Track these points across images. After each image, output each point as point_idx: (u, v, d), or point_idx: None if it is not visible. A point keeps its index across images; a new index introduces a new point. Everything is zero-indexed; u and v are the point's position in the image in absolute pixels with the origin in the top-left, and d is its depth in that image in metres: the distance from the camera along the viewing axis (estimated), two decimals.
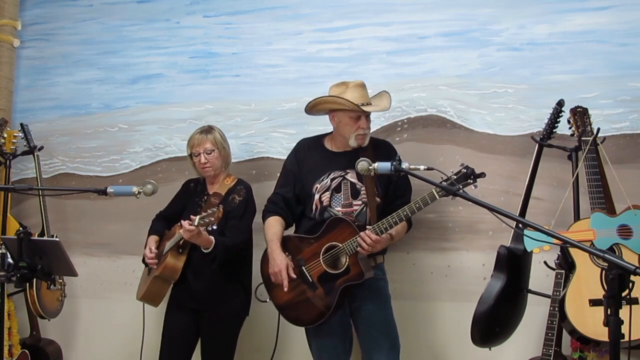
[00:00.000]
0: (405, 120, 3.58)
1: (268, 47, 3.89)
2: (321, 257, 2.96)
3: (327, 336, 3.08)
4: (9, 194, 3.90)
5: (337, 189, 3.07)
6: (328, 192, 3.08)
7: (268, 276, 3.07)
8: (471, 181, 2.57)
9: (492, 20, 3.52)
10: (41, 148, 4.07)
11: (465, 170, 2.57)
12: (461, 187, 2.50)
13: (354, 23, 3.74)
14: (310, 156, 3.18)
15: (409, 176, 2.98)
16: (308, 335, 3.16)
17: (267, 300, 3.13)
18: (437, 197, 2.70)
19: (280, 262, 2.98)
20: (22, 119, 4.20)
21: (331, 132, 3.21)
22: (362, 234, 2.84)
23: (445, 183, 2.57)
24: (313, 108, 3.15)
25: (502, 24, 3.50)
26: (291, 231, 3.22)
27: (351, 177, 3.06)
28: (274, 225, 3.12)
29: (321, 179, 3.10)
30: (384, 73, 3.65)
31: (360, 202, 3.04)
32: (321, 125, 3.72)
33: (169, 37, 4.07)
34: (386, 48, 3.68)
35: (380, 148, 3.11)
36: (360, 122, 3.01)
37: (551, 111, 3.17)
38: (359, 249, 2.85)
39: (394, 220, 2.81)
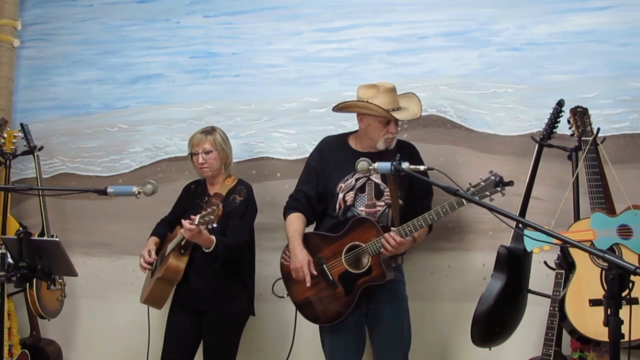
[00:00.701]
0: (405, 120, 3.57)
1: (268, 47, 3.89)
2: (343, 256, 2.97)
3: (342, 334, 3.07)
4: (9, 194, 3.90)
5: (362, 189, 3.08)
6: (352, 192, 3.08)
7: (288, 272, 3.08)
8: (499, 189, 2.57)
9: (492, 20, 3.52)
10: (41, 148, 4.07)
11: (493, 178, 2.57)
12: (489, 194, 2.54)
13: (354, 23, 3.74)
14: (334, 155, 3.17)
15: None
16: (322, 333, 3.15)
17: (285, 296, 3.14)
18: (465, 202, 2.70)
19: (302, 258, 3.00)
20: (22, 119, 4.20)
21: (356, 131, 3.20)
22: (386, 235, 2.85)
23: (473, 189, 2.59)
24: (342, 109, 3.15)
25: (502, 24, 3.50)
26: (311, 229, 3.23)
27: (375, 178, 3.06)
28: (296, 222, 3.12)
29: (346, 179, 3.09)
30: (384, 73, 3.65)
31: (383, 204, 3.05)
32: (321, 125, 3.74)
33: (169, 37, 4.07)
34: (386, 48, 3.68)
35: (404, 150, 3.10)
36: (389, 127, 3.02)
37: (551, 111, 3.17)
38: (382, 250, 2.86)
39: (419, 223, 2.83)
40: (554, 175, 3.32)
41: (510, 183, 2.56)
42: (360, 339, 3.10)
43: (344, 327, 3.03)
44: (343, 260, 2.97)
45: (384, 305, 3.03)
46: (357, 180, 3.08)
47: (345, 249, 2.97)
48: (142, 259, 3.33)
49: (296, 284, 3.06)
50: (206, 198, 3.37)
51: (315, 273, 2.99)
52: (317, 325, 3.12)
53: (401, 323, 3.07)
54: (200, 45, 4.00)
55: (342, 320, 2.98)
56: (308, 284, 2.98)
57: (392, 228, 2.89)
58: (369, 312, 3.06)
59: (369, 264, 2.92)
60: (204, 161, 3.32)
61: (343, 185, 3.10)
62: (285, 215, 3.19)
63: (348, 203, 3.07)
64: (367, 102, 3.01)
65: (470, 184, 2.64)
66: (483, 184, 2.58)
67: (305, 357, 3.50)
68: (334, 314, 2.99)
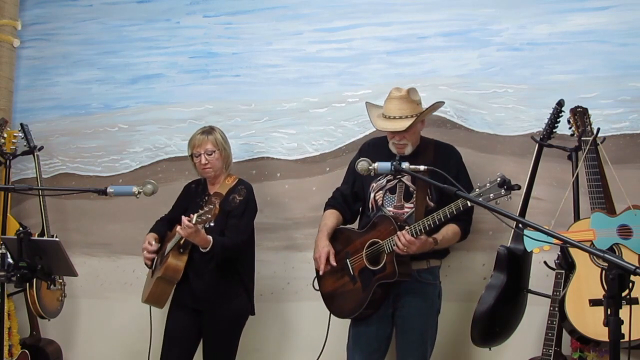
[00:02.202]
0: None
1: (268, 47, 3.89)
2: (364, 252, 3.01)
3: (364, 330, 3.08)
4: (9, 194, 3.90)
5: (392, 190, 3.11)
6: (382, 192, 3.11)
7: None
8: (503, 192, 2.56)
9: (492, 20, 3.51)
10: (41, 148, 4.07)
11: (500, 180, 2.56)
12: (494, 197, 2.53)
13: (354, 23, 3.73)
14: (371, 155, 3.14)
15: (469, 181, 3.05)
16: (349, 328, 3.16)
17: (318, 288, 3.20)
18: (469, 203, 2.69)
19: (321, 248, 3.08)
20: (22, 119, 4.20)
21: None
22: (398, 233, 2.86)
23: (478, 190, 2.59)
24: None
25: (502, 24, 3.50)
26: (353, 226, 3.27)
27: (407, 180, 3.08)
28: (328, 217, 3.22)
29: (378, 179, 3.13)
30: (384, 73, 3.65)
31: (411, 205, 3.06)
32: (321, 125, 3.74)
33: (169, 37, 4.07)
34: (386, 48, 3.68)
35: (439, 151, 3.12)
36: (395, 134, 3.05)
37: (551, 111, 3.17)
38: (395, 247, 2.87)
39: (428, 223, 2.83)
40: (554, 175, 3.32)
41: (516, 187, 2.54)
42: (384, 338, 3.08)
43: (367, 323, 3.05)
44: (363, 255, 3.01)
45: (409, 306, 3.03)
46: (388, 181, 3.12)
47: (366, 245, 3.01)
48: (144, 252, 3.32)
49: (324, 277, 3.12)
50: (206, 197, 3.37)
51: (334, 264, 3.05)
52: (345, 324, 3.16)
53: (424, 325, 3.05)
54: (200, 45, 4.00)
55: (358, 315, 3.01)
56: (321, 272, 3.06)
57: (406, 227, 2.89)
58: (395, 312, 3.06)
59: (384, 260, 2.94)
60: (206, 162, 3.32)
61: (375, 185, 3.14)
62: (323, 212, 3.28)
63: (379, 203, 3.11)
64: (369, 110, 3.14)
65: (478, 184, 2.63)
66: (489, 185, 2.57)
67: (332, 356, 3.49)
68: (351, 308, 3.03)
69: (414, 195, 3.05)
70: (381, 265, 2.94)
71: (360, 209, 3.27)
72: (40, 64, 4.31)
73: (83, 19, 4.25)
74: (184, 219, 3.03)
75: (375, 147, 3.24)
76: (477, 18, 3.54)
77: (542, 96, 3.37)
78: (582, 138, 3.03)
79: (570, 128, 3.14)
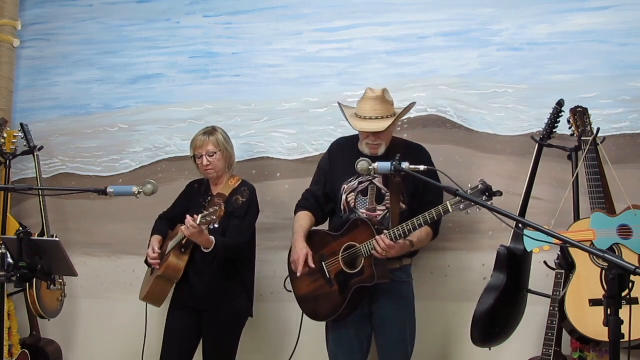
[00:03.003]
0: (405, 120, 3.57)
1: (268, 47, 3.89)
2: (340, 256, 2.99)
3: (345, 332, 3.08)
4: (9, 194, 3.90)
5: (364, 192, 3.09)
6: (354, 194, 3.10)
7: (290, 266, 3.12)
8: (486, 199, 2.55)
9: (492, 20, 3.51)
10: (41, 148, 4.07)
11: (481, 187, 2.56)
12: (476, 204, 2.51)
13: (354, 23, 3.74)
14: (342, 156, 3.20)
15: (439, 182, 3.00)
16: (327, 332, 3.17)
17: (291, 290, 3.18)
18: (451, 210, 2.68)
19: (300, 250, 3.05)
20: (22, 119, 4.20)
21: None
22: (377, 237, 2.85)
23: (459, 197, 2.57)
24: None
25: (502, 24, 3.50)
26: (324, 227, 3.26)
27: (378, 182, 3.08)
28: (302, 219, 3.19)
29: (349, 181, 3.12)
30: (384, 73, 3.65)
31: (384, 208, 3.05)
32: (321, 125, 3.74)
33: (169, 37, 4.07)
34: (386, 48, 3.68)
35: (410, 151, 3.10)
36: (368, 135, 3.04)
37: (551, 111, 3.17)
38: (373, 251, 2.86)
39: (408, 228, 2.82)
40: (554, 175, 3.32)
41: (498, 193, 2.54)
42: (364, 338, 3.10)
43: (346, 325, 3.05)
44: (340, 259, 2.99)
45: (385, 306, 3.04)
46: (360, 183, 3.10)
47: (342, 249, 2.99)
48: (148, 258, 3.32)
49: (299, 279, 3.09)
50: (209, 198, 3.37)
51: (313, 266, 3.02)
52: (322, 325, 3.15)
53: (403, 324, 3.07)
54: (200, 45, 4.00)
55: (336, 318, 3.00)
56: (298, 274, 3.02)
57: (384, 231, 2.89)
58: (372, 313, 3.06)
59: (362, 264, 2.93)
60: (208, 163, 3.32)
61: (346, 187, 3.12)
62: (295, 213, 3.25)
63: (351, 205, 3.10)
64: (343, 110, 3.11)
65: (457, 191, 2.61)
66: (470, 192, 2.57)
67: (309, 356, 3.49)
68: (329, 311, 3.02)
69: (386, 198, 3.05)
70: (359, 269, 2.93)
71: (332, 209, 3.24)
72: (40, 64, 4.31)
73: (83, 19, 4.25)
74: (189, 218, 3.03)
75: (344, 147, 3.23)
76: (477, 18, 3.54)
77: (542, 96, 3.37)
78: (582, 138, 3.03)
79: (570, 128, 3.14)
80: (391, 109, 3.06)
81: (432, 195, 3.03)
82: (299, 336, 3.26)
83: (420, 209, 2.95)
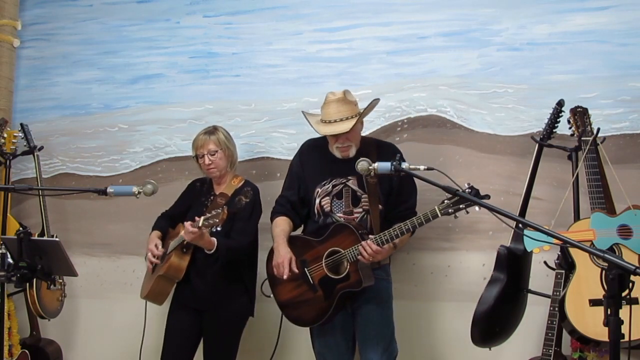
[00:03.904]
0: (405, 120, 3.58)
1: (268, 47, 3.89)
2: (323, 261, 2.97)
3: (330, 335, 3.09)
4: (9, 194, 3.89)
5: (339, 196, 3.08)
6: (328, 197, 3.09)
7: (272, 272, 3.08)
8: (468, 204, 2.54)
9: (492, 20, 3.52)
10: (41, 148, 4.07)
11: (469, 191, 2.56)
12: (464, 207, 2.53)
13: (354, 23, 3.74)
14: (313, 159, 3.18)
15: (413, 180, 3.00)
16: (312, 335, 3.18)
17: (271, 295, 3.15)
18: (439, 214, 2.66)
19: (283, 254, 3.00)
20: (22, 119, 4.20)
21: None
22: (363, 243, 2.84)
23: (448, 201, 2.57)
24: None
25: (502, 24, 3.50)
26: (299, 232, 3.23)
27: (352, 184, 3.06)
28: (281, 224, 3.15)
29: (322, 184, 3.11)
30: (384, 73, 3.66)
31: (360, 210, 3.04)
32: None
33: (169, 37, 4.07)
34: (386, 48, 3.68)
35: (382, 150, 3.09)
36: (338, 138, 3.02)
37: (551, 111, 3.17)
38: (359, 257, 2.86)
39: (395, 233, 2.81)
40: (554, 175, 3.32)
41: (486, 197, 2.52)
42: (349, 338, 3.11)
43: (332, 327, 3.05)
44: (323, 265, 2.97)
45: (365, 303, 3.03)
46: (333, 186, 3.09)
47: (325, 254, 2.97)
48: (149, 254, 3.31)
49: (280, 285, 3.07)
50: (211, 197, 3.37)
51: (297, 271, 2.99)
52: (307, 328, 3.14)
53: (382, 319, 3.06)
54: (200, 45, 4.01)
55: (322, 323, 3.00)
56: (285, 277, 2.98)
57: (370, 236, 2.88)
58: (354, 311, 3.06)
59: (347, 270, 2.92)
60: (210, 162, 3.31)
61: (320, 190, 3.11)
62: (271, 220, 3.22)
63: (326, 209, 3.08)
64: (307, 118, 3.11)
65: (446, 196, 2.59)
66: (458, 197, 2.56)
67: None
68: (314, 316, 3.00)
69: (362, 199, 3.03)
70: (344, 274, 2.92)
71: (306, 212, 3.22)
72: (40, 64, 4.31)
73: (83, 19, 4.25)
74: (187, 224, 3.03)
75: (314, 149, 3.20)
76: (477, 18, 3.54)
77: (542, 96, 3.37)
78: (582, 138, 3.03)
79: (570, 128, 3.14)
80: (354, 108, 3.04)
81: (406, 194, 3.04)
82: (277, 341, 3.28)
83: (399, 207, 2.99)
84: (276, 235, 3.10)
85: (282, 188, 3.29)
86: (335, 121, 2.99)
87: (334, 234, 2.98)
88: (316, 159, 3.15)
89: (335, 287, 2.94)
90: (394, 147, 3.19)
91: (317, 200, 3.10)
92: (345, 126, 2.97)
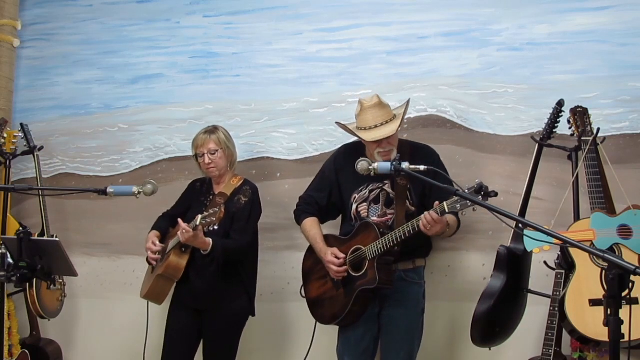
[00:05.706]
0: (405, 120, 3.56)
1: (268, 47, 3.89)
2: (347, 258, 2.99)
3: (352, 333, 3.08)
4: (9, 194, 3.90)
5: (376, 200, 3.09)
6: (365, 204, 3.09)
7: (307, 271, 3.14)
8: (482, 199, 2.53)
9: (492, 20, 3.52)
10: (41, 148, 4.07)
11: (476, 186, 2.54)
12: (471, 203, 2.50)
13: (354, 23, 3.74)
14: (349, 165, 3.08)
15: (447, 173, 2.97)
16: (339, 333, 3.16)
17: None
18: (447, 210, 2.64)
19: (330, 253, 3.01)
20: (22, 119, 4.19)
21: None
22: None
23: (456, 197, 2.56)
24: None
25: (502, 24, 3.50)
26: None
27: (388, 187, 3.07)
28: (315, 227, 3.17)
29: (360, 189, 3.11)
30: (384, 73, 3.65)
31: (392, 212, 3.04)
32: (321, 125, 3.74)
33: (169, 37, 4.07)
34: (386, 48, 3.68)
35: (417, 152, 3.07)
36: (380, 143, 2.99)
37: (551, 111, 3.17)
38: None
39: (408, 229, 2.78)
40: (554, 175, 3.32)
41: (492, 193, 2.51)
42: (372, 338, 3.08)
43: (355, 326, 3.05)
44: (347, 262, 2.99)
45: (393, 306, 3.03)
46: (370, 191, 3.10)
47: (350, 252, 2.99)
48: (148, 252, 3.32)
49: (309, 284, 3.13)
50: (211, 197, 3.37)
51: (343, 256, 2.99)
52: (333, 328, 3.15)
53: (409, 325, 3.05)
54: (200, 45, 4.00)
55: (339, 322, 3.01)
56: (339, 275, 2.98)
57: (385, 233, 2.88)
58: (381, 312, 3.06)
59: (366, 267, 2.93)
60: (210, 161, 3.31)
61: (357, 196, 3.12)
62: (298, 218, 3.24)
63: (362, 215, 3.08)
64: (346, 126, 3.09)
65: (456, 191, 2.59)
66: (467, 192, 2.55)
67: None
68: (333, 314, 3.02)
69: (394, 202, 3.03)
70: (363, 271, 2.93)
71: (341, 217, 3.25)
72: (40, 64, 4.31)
73: (83, 19, 4.25)
74: (181, 224, 3.03)
75: (351, 154, 3.13)
76: (477, 18, 3.54)
77: (542, 96, 3.37)
78: (582, 138, 3.03)
79: (570, 128, 3.14)
80: (390, 112, 3.04)
81: (437, 195, 3.00)
82: (311, 343, 3.25)
83: (429, 209, 2.94)
84: (313, 239, 3.12)
85: (308, 187, 3.29)
86: (376, 126, 2.97)
87: (358, 232, 3.01)
88: (352, 165, 3.05)
89: (354, 284, 2.95)
90: (429, 149, 3.18)
91: (354, 207, 3.11)
92: (390, 129, 2.95)
